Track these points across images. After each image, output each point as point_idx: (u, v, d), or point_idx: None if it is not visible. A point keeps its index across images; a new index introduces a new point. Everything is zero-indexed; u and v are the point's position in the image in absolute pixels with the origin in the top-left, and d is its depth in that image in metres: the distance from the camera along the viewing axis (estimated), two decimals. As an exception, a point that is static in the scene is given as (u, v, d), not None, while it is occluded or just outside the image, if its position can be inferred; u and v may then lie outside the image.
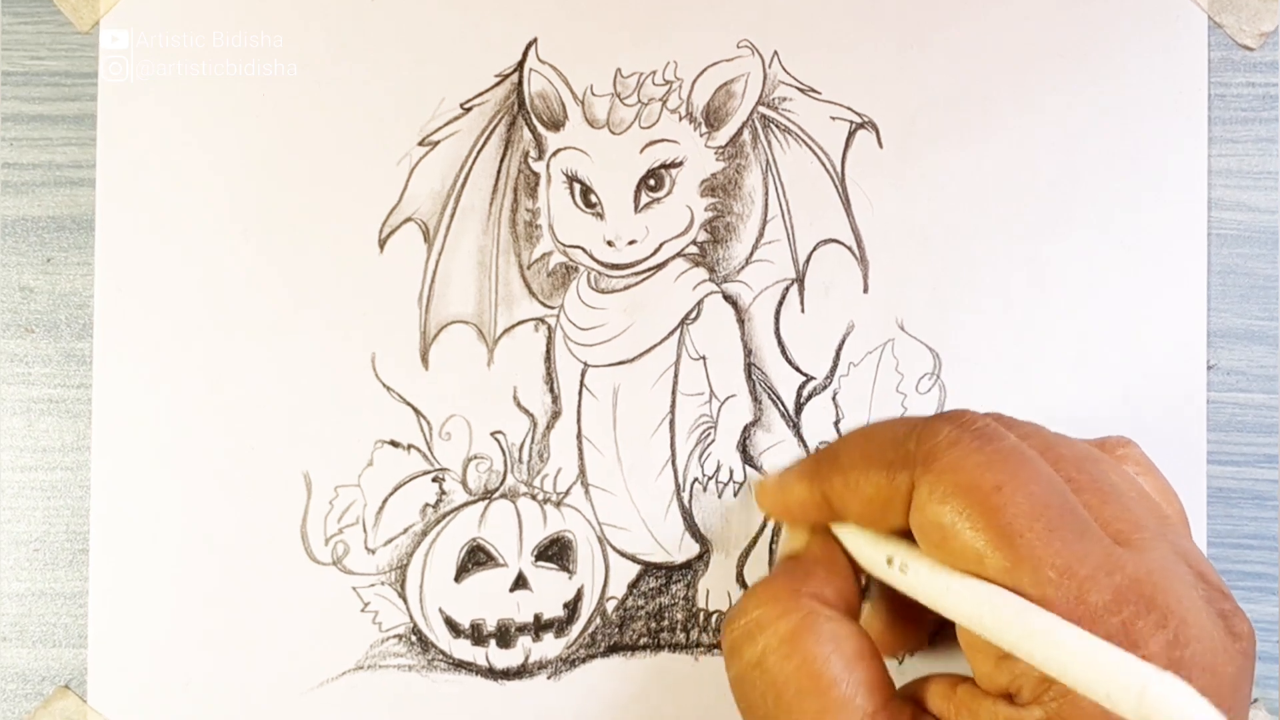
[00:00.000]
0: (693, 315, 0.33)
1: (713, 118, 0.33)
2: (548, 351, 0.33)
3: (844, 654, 0.24)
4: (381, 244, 0.33)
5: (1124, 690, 0.19)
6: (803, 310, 0.33)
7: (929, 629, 0.30)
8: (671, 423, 0.33)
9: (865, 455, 0.25)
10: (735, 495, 0.33)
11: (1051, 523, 0.22)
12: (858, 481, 0.25)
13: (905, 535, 0.25)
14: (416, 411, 0.33)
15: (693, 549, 0.33)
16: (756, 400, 0.33)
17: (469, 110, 0.33)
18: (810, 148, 0.33)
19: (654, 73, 0.33)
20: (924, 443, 0.24)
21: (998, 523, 0.22)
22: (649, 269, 0.33)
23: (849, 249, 0.33)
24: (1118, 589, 0.21)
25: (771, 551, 0.33)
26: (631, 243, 0.33)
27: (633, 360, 0.33)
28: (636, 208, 0.33)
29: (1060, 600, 0.21)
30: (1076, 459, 0.25)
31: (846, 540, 0.27)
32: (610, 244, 0.33)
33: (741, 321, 0.33)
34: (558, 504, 0.33)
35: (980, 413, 0.25)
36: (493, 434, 0.33)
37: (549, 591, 0.33)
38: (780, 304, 0.33)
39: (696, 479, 0.33)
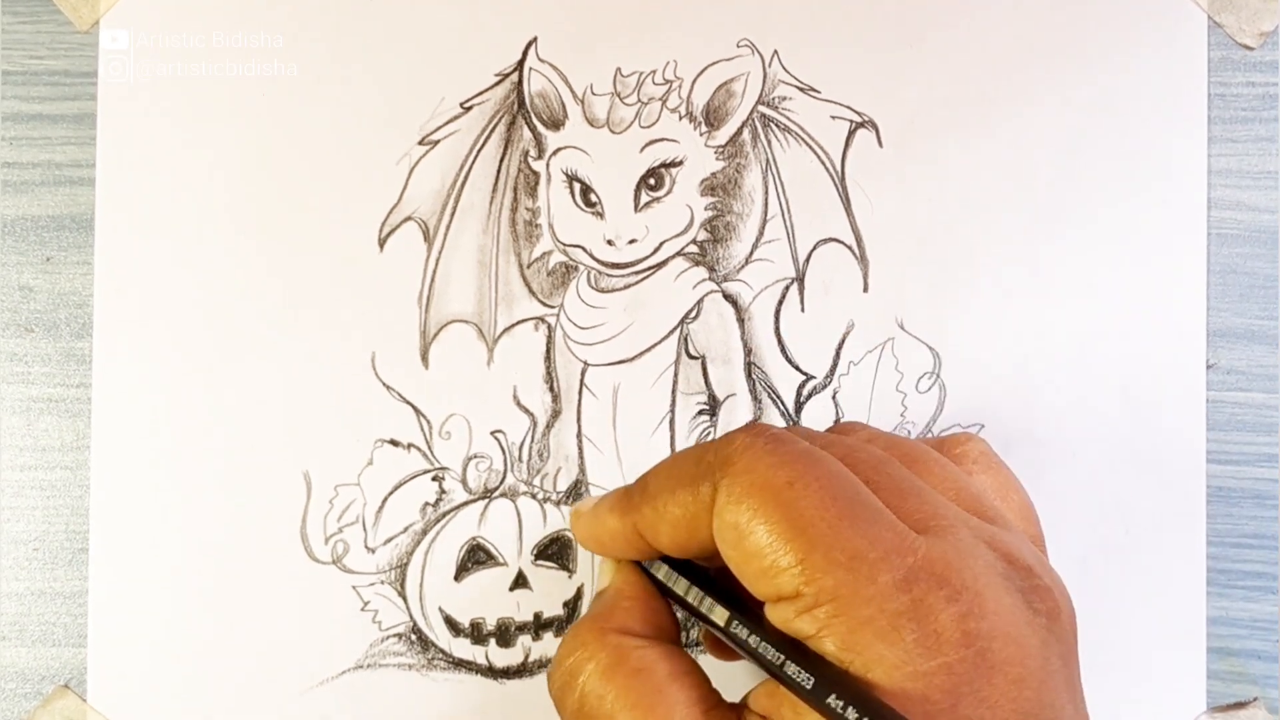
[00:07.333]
0: (693, 314, 0.33)
1: (713, 117, 0.33)
2: (548, 350, 0.33)
3: (655, 680, 0.25)
4: (381, 243, 0.33)
5: None
6: (803, 309, 0.33)
7: None
8: (671, 422, 0.33)
9: (670, 478, 0.26)
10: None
11: (842, 511, 0.23)
12: (665, 505, 0.25)
13: (717, 568, 0.26)
14: (416, 410, 0.33)
15: (693, 548, 0.33)
16: (756, 399, 0.33)
17: (469, 109, 0.33)
18: (810, 147, 0.33)
19: (654, 72, 0.33)
20: (720, 451, 0.25)
21: (790, 516, 0.23)
22: (649, 268, 0.33)
23: (849, 248, 0.33)
24: (909, 569, 0.22)
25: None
26: (631, 242, 0.33)
27: (633, 359, 0.33)
28: (636, 207, 0.33)
29: (852, 583, 0.22)
30: (875, 462, 0.25)
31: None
32: (610, 243, 0.33)
33: (741, 321, 0.33)
34: (558, 503, 0.33)
35: (777, 425, 0.27)
36: (493, 433, 0.33)
37: (549, 590, 0.33)
38: (780, 303, 0.33)
39: (696, 478, 0.33)
